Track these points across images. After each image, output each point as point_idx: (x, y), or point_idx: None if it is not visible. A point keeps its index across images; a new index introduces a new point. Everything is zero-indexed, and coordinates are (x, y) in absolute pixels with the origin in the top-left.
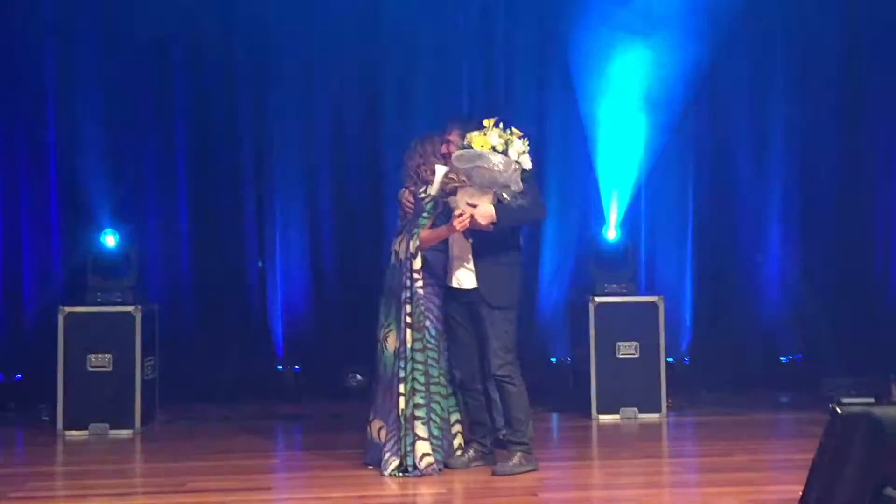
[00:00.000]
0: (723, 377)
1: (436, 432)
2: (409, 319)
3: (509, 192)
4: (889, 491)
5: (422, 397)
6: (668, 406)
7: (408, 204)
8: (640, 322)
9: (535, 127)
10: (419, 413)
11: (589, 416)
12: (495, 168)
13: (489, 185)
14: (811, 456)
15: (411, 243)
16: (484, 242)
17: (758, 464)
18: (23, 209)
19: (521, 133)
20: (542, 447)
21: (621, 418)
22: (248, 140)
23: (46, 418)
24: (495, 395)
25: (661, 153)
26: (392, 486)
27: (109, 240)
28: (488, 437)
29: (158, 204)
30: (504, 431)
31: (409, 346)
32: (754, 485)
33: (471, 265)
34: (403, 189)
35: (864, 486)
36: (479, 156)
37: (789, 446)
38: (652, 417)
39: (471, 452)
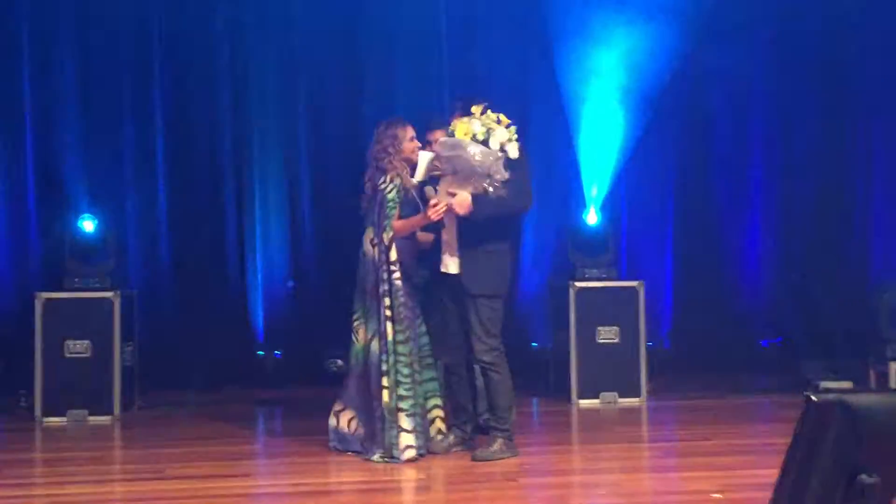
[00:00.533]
0: (703, 361)
1: (419, 420)
2: (388, 312)
3: (491, 183)
4: (863, 478)
5: (406, 389)
6: (647, 391)
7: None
8: (621, 307)
9: (517, 109)
10: (404, 405)
11: (569, 400)
12: (474, 159)
13: (469, 174)
14: (789, 440)
15: (384, 235)
16: (469, 230)
17: (736, 448)
18: None
19: (509, 121)
20: (522, 432)
21: (601, 403)
22: (228, 124)
23: (24, 405)
24: (478, 382)
25: (642, 137)
26: (371, 472)
27: (87, 224)
28: (469, 423)
29: (137, 188)
30: (486, 417)
31: (390, 338)
32: (732, 469)
33: (455, 248)
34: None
35: (839, 473)
36: (459, 145)
37: (767, 431)
38: (632, 402)
39: (451, 438)
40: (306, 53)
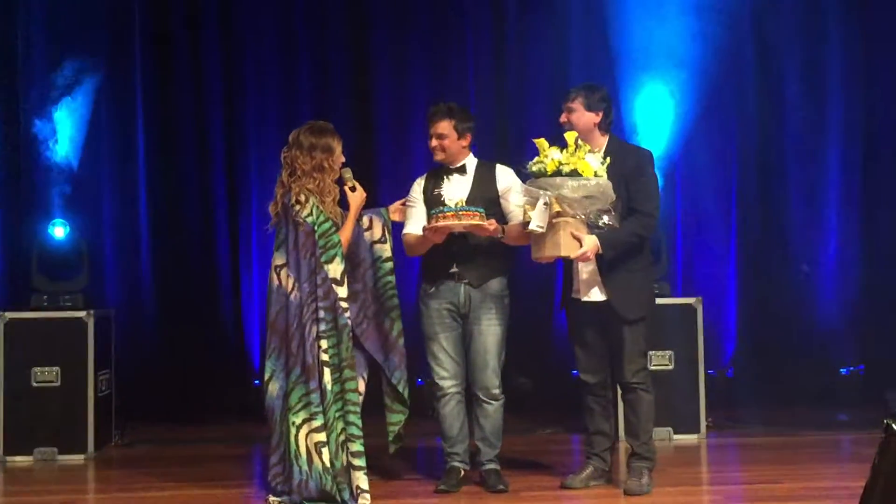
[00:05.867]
0: (772, 392)
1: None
2: (325, 357)
3: (610, 217)
4: None
5: (361, 443)
6: (707, 425)
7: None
8: (675, 328)
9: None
10: (359, 462)
11: (616, 436)
12: (610, 197)
13: (592, 213)
14: None
15: (329, 268)
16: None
17: (810, 492)
18: None
19: (589, 147)
20: (562, 472)
21: (654, 439)
22: (219, 120)
23: None
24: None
25: (698, 128)
26: None
27: (58, 231)
28: (610, 451)
29: (116, 190)
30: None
31: (329, 388)
32: None
33: (598, 276)
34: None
35: None
36: (597, 185)
37: (847, 472)
38: (689, 439)
39: (589, 469)
40: (310, 56)
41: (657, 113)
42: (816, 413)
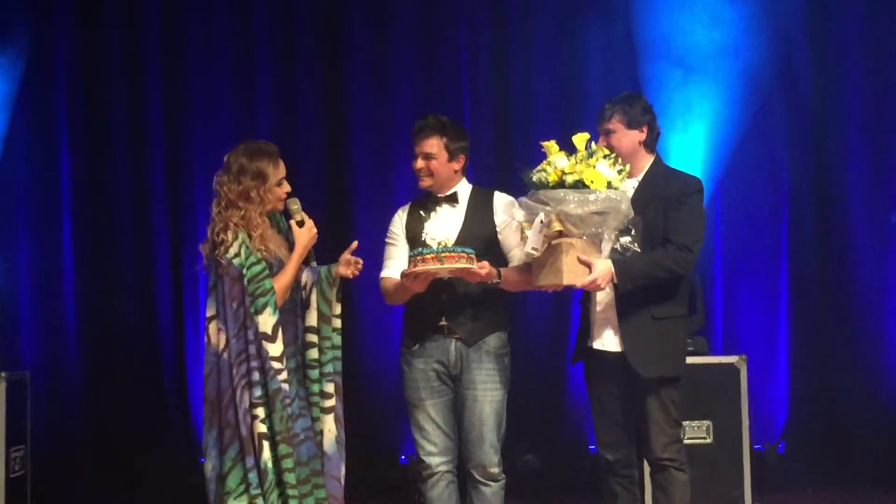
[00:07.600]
0: (833, 471)
1: None
2: (262, 428)
3: (630, 238)
4: None
5: None
6: None
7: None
8: (715, 393)
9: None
10: None
11: None
12: (627, 214)
13: (608, 231)
14: None
15: (260, 320)
16: (626, 293)
17: None
18: None
19: (606, 150)
20: None
21: None
22: (160, 139)
23: None
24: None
25: (741, 151)
26: None
27: None
28: None
29: (33, 225)
30: None
31: (270, 466)
32: None
33: (615, 319)
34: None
35: None
36: (608, 199)
37: None
38: None
39: None
40: (269, 67)
41: (691, 132)
42: (887, 498)
